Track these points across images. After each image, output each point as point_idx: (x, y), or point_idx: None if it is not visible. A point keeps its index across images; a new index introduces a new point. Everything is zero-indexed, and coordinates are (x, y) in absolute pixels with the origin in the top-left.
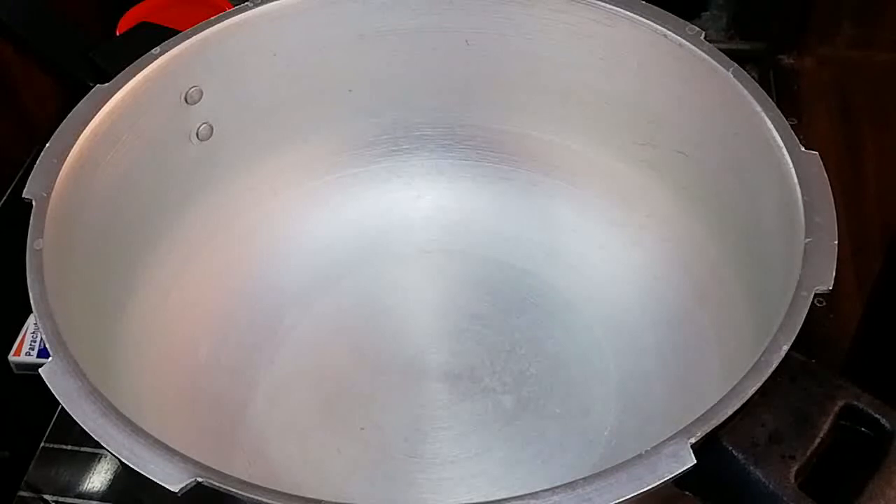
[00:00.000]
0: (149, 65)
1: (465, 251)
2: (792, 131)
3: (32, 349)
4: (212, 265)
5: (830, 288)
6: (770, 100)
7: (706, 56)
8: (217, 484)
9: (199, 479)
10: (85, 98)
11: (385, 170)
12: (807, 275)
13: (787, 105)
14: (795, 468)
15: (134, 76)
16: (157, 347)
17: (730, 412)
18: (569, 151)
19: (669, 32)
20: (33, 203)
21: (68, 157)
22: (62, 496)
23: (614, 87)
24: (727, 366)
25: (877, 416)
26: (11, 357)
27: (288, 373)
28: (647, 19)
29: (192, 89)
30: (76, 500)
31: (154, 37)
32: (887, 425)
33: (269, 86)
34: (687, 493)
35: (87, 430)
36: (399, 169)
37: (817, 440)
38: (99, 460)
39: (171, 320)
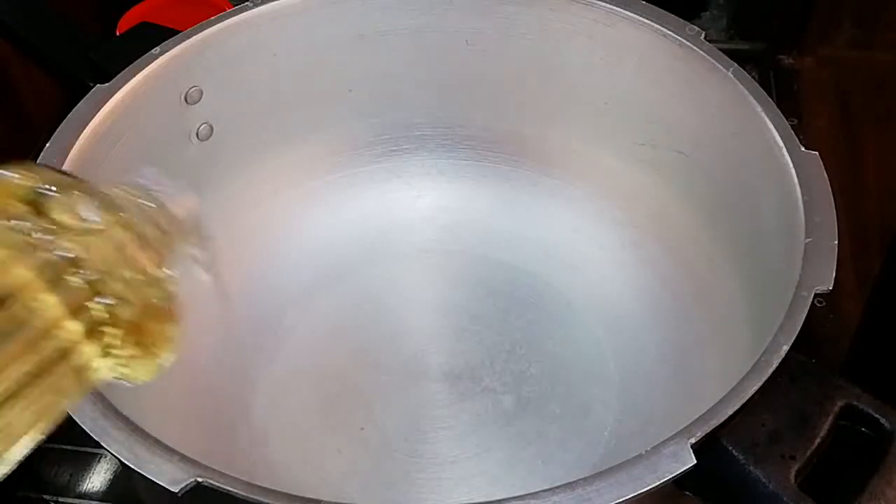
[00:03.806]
0: (149, 65)
1: (465, 251)
2: (792, 131)
3: None
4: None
5: (830, 288)
6: (770, 100)
7: (706, 56)
8: (217, 484)
9: (199, 479)
10: (85, 98)
11: (385, 170)
12: (807, 275)
13: (787, 105)
14: (795, 468)
15: (134, 76)
16: None
17: (730, 412)
18: (569, 151)
19: (669, 32)
20: None
21: (68, 157)
22: (62, 496)
23: (614, 86)
24: (727, 366)
25: (877, 416)
26: None
27: (288, 373)
28: (647, 19)
29: (192, 89)
30: (76, 500)
31: (154, 37)
32: (887, 425)
33: (269, 86)
34: (687, 493)
35: (86, 430)
36: (399, 169)
37: (817, 440)
38: (99, 460)
39: None
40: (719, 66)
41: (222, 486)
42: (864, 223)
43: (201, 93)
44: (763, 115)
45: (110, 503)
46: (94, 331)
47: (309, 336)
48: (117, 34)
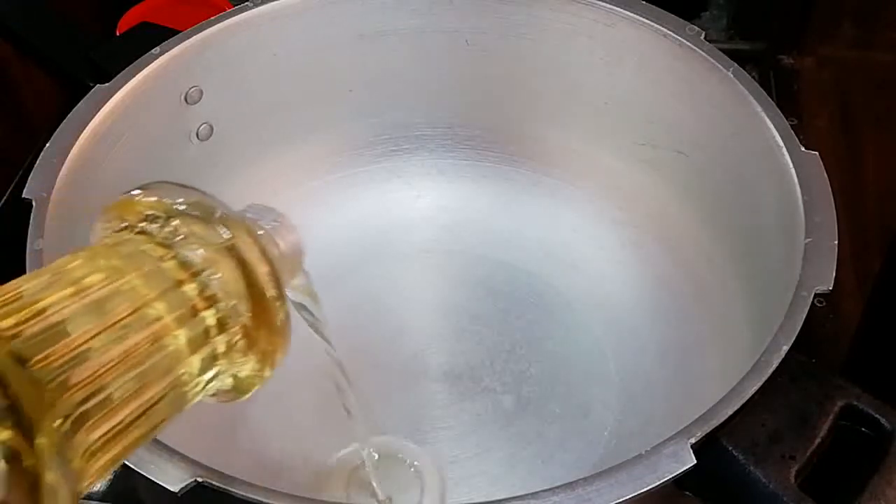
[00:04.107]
0: (149, 65)
1: (465, 251)
2: (792, 131)
3: None
4: None
5: (830, 288)
6: (770, 100)
7: (706, 56)
8: (217, 484)
9: (199, 479)
10: (85, 98)
11: (385, 170)
12: (807, 275)
13: (787, 105)
14: (795, 468)
15: (134, 76)
16: None
17: (730, 412)
18: (569, 151)
19: (669, 32)
20: (33, 203)
21: (68, 157)
22: None
23: (614, 86)
24: (727, 366)
25: (877, 416)
26: None
27: (288, 372)
28: (647, 19)
29: (192, 89)
30: None
31: (154, 37)
32: (887, 425)
33: (269, 86)
34: (687, 493)
35: None
36: (399, 169)
37: (817, 440)
38: None
39: None
40: (719, 66)
41: (222, 486)
42: (864, 223)
43: (201, 93)
44: (763, 115)
45: (110, 503)
46: (203, 340)
47: (309, 336)
48: (117, 34)
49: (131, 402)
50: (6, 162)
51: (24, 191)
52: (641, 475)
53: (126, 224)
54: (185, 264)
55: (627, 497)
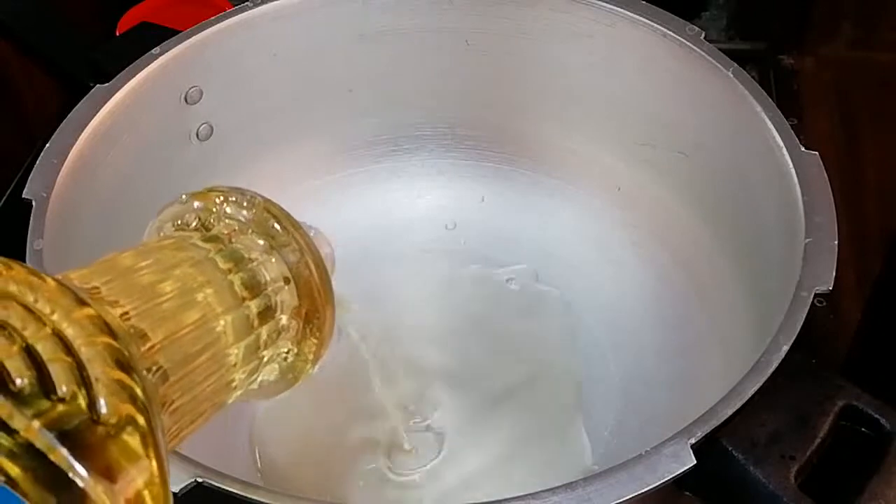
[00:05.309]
0: (149, 65)
1: (465, 251)
2: (792, 131)
3: None
4: None
5: (830, 288)
6: (770, 100)
7: (706, 56)
8: (217, 484)
9: (199, 479)
10: (85, 98)
11: (385, 170)
12: (807, 275)
13: (787, 105)
14: (795, 468)
15: (134, 76)
16: None
17: (730, 412)
18: (569, 151)
19: (669, 32)
20: (33, 203)
21: (68, 157)
22: None
23: (614, 87)
24: (727, 366)
25: (877, 416)
26: None
27: None
28: (647, 19)
29: (192, 89)
30: None
31: (154, 37)
32: (887, 425)
33: (269, 86)
34: (687, 493)
35: None
36: (399, 169)
37: (817, 440)
38: None
39: None
40: (719, 66)
41: (222, 486)
42: (864, 223)
43: (201, 93)
44: (763, 115)
45: None
46: (249, 328)
47: None
48: (117, 34)
49: (183, 380)
50: (6, 162)
51: (24, 191)
52: (641, 475)
53: (180, 222)
54: (234, 255)
55: (627, 497)
